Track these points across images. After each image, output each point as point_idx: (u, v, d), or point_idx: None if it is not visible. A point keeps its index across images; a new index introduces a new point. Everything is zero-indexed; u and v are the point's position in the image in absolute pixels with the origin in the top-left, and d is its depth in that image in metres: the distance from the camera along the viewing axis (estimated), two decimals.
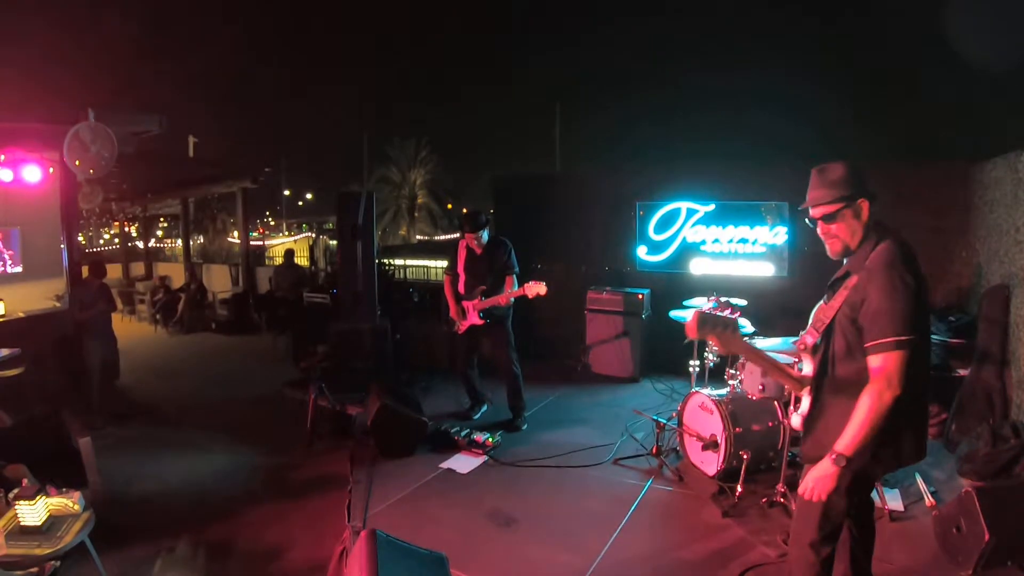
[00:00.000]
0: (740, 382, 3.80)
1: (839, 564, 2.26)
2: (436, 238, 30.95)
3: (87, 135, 5.15)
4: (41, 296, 6.34)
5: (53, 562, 2.64)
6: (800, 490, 2.02)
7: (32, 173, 5.58)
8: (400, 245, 28.32)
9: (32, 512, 2.48)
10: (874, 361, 1.83)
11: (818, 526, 2.06)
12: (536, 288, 4.30)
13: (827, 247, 2.06)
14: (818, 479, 1.92)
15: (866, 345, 1.85)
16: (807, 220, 2.07)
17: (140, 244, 15.96)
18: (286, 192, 39.10)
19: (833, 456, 1.87)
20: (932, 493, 3.43)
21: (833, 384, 2.01)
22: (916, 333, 1.81)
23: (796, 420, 2.14)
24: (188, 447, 4.54)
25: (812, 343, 2.07)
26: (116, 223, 16.57)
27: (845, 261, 2.05)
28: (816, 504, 2.01)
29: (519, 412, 4.81)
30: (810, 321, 2.12)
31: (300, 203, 43.86)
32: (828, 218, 1.99)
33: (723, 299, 4.07)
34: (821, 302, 2.11)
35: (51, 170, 5.76)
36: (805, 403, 2.08)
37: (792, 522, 2.25)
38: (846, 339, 1.96)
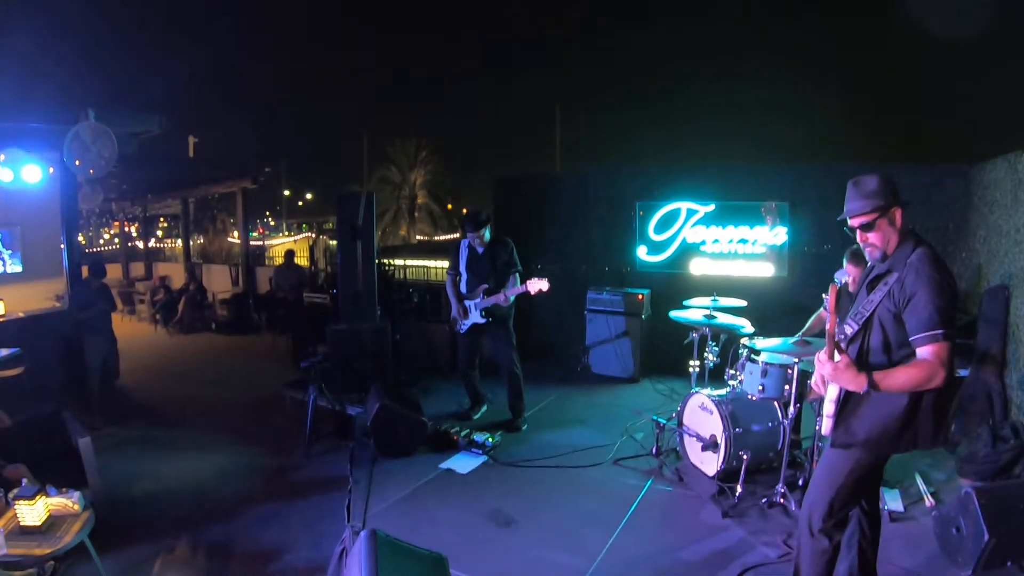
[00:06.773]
0: (740, 382, 3.80)
1: (843, 561, 2.27)
2: (436, 238, 30.91)
3: (87, 135, 5.15)
4: (41, 296, 6.33)
5: (53, 562, 2.64)
6: (812, 381, 2.10)
7: (32, 173, 5.58)
8: (400, 245, 28.27)
9: (32, 512, 2.47)
10: (926, 351, 1.91)
11: (825, 515, 2.13)
12: (539, 284, 4.33)
13: (866, 253, 2.16)
14: (839, 368, 1.95)
15: (916, 336, 1.93)
16: (846, 229, 2.17)
17: (140, 244, 15.95)
18: (286, 192, 39.09)
19: (865, 374, 1.93)
20: (932, 493, 3.43)
21: None
22: (955, 328, 1.94)
23: (826, 424, 2.12)
24: (188, 447, 4.54)
25: (851, 333, 2.13)
26: (116, 223, 16.57)
27: (881, 261, 2.13)
28: (827, 490, 2.11)
29: (519, 413, 4.81)
30: (813, 319, 2.15)
31: (300, 203, 43.85)
32: (865, 227, 2.09)
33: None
34: (827, 296, 2.14)
35: (51, 170, 5.76)
36: (832, 391, 2.10)
37: (802, 512, 2.28)
38: (884, 333, 2.04)
